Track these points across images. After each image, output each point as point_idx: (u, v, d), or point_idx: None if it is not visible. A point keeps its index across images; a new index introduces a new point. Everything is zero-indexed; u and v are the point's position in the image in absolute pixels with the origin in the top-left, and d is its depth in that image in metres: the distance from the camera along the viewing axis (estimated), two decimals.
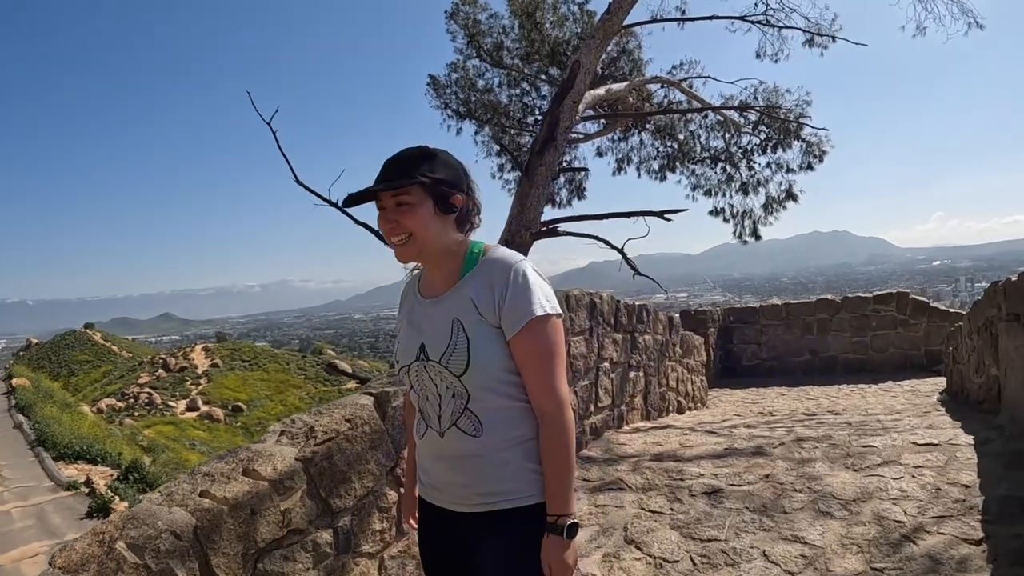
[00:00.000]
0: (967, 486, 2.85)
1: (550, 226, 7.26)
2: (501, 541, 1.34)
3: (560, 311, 1.34)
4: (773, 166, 9.53)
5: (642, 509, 3.08)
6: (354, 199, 1.31)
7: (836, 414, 5.29)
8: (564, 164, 9.59)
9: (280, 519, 2.04)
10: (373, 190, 1.29)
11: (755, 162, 9.67)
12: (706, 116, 9.81)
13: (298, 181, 7.68)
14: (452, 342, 1.31)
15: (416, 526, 1.57)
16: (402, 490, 2.50)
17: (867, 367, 10.22)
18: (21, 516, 7.48)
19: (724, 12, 8.12)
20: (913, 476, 3.04)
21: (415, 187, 1.29)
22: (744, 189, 9.75)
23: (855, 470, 3.21)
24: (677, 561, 2.59)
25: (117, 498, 8.05)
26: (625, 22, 6.98)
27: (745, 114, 9.40)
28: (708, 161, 10.01)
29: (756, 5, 8.27)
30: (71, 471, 9.96)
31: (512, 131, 10.58)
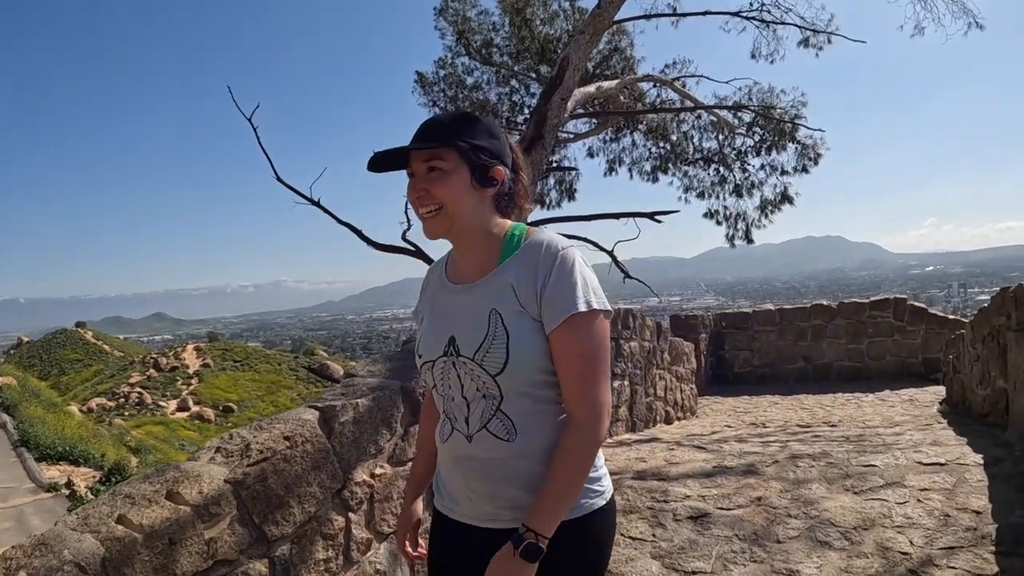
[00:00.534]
0: (978, 512, 2.61)
1: (539, 227, 7.04)
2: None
3: (609, 308, 1.16)
4: (767, 168, 9.35)
5: (621, 535, 2.81)
6: (380, 161, 1.16)
7: (832, 426, 5.05)
8: (553, 163, 9.35)
9: (204, 549, 1.77)
10: (403, 149, 1.14)
11: (749, 164, 9.50)
12: (699, 117, 9.62)
13: (279, 178, 7.58)
14: (489, 336, 1.14)
15: (412, 552, 1.42)
16: (394, 506, 2.29)
17: (863, 375, 9.97)
18: (0, 518, 7.20)
19: (718, 9, 7.90)
20: (919, 500, 2.78)
21: (450, 152, 1.14)
22: (738, 191, 9.58)
23: (855, 493, 2.95)
24: None
25: None
26: (616, 17, 6.74)
27: (739, 115, 9.20)
28: (701, 162, 9.84)
29: (751, 4, 8.07)
30: (53, 472, 9.71)
31: None
